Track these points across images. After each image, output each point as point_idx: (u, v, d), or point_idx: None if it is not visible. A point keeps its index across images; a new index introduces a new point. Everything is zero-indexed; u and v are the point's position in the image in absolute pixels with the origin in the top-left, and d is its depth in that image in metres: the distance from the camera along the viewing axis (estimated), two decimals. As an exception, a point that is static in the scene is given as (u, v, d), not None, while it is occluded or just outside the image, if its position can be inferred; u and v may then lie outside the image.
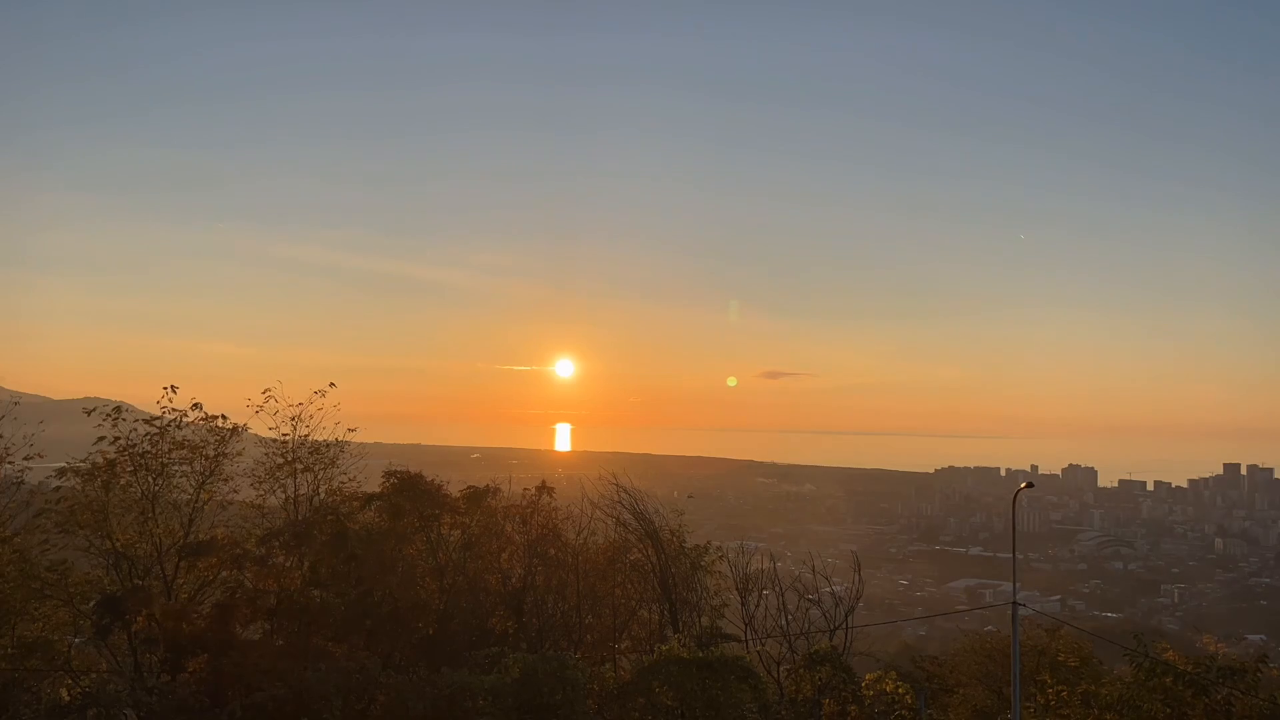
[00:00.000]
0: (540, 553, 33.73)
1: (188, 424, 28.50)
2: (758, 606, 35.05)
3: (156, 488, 27.84)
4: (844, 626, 33.89)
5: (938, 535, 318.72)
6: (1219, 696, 25.94)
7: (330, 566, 28.73)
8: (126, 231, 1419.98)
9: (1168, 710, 25.94)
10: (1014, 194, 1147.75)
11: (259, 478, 30.34)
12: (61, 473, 27.45)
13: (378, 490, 32.13)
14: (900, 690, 28.35)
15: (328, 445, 31.04)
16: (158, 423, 27.97)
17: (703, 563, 35.95)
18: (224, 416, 29.40)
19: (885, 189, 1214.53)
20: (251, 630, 28.39)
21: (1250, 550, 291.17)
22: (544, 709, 22.07)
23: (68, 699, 24.82)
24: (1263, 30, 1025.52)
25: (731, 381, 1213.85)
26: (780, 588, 35.37)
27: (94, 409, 27.54)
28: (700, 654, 24.00)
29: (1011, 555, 33.11)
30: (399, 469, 33.43)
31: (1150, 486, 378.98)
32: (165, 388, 28.18)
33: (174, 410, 28.30)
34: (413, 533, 31.87)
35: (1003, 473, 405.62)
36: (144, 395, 30.16)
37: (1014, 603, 28.46)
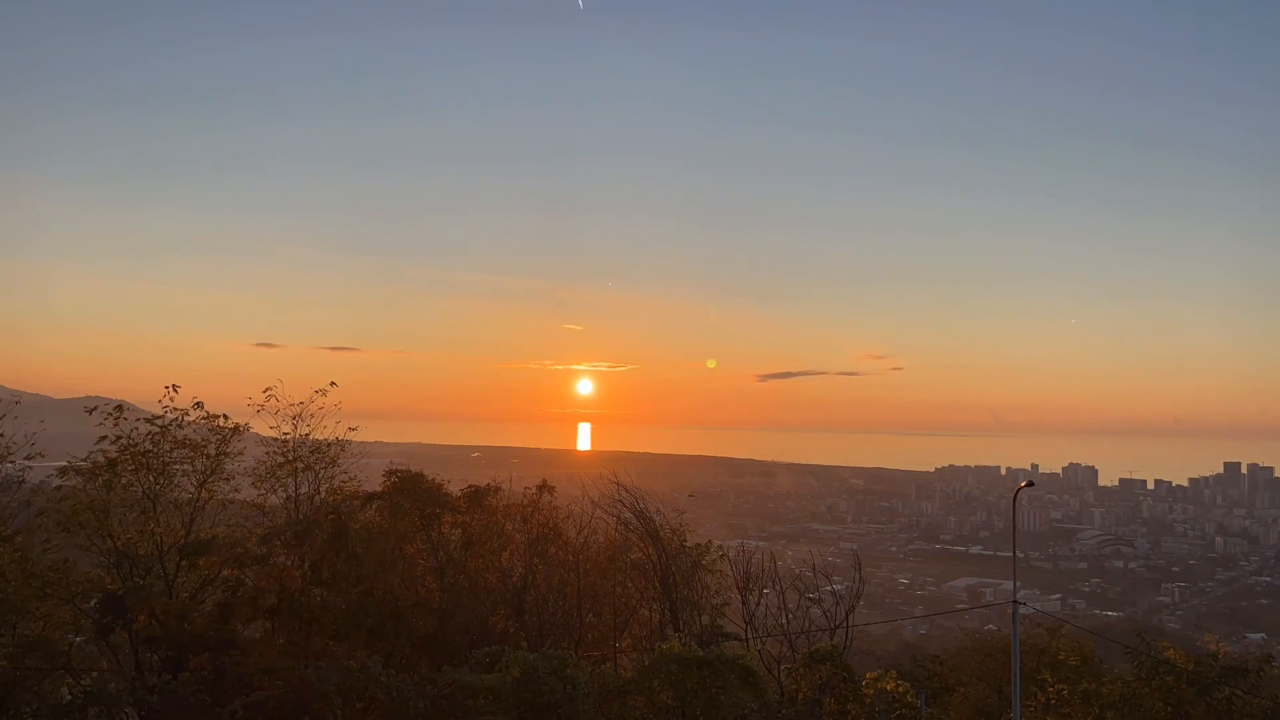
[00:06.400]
0: (541, 551, 33.78)
1: (189, 423, 28.54)
2: (758, 605, 35.05)
3: (158, 487, 27.87)
4: (844, 625, 33.86)
5: (938, 534, 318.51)
6: (1220, 695, 25.95)
7: (331, 565, 28.77)
8: (128, 228, 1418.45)
9: (1169, 709, 25.96)
10: (1015, 193, 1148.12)
11: (260, 477, 30.39)
12: (63, 472, 27.48)
13: (378, 489, 32.20)
14: (901, 689, 28.31)
15: (328, 444, 31.10)
16: (159, 422, 28.00)
17: (703, 561, 35.98)
18: (225, 416, 29.48)
19: (887, 188, 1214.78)
20: (253, 629, 28.45)
21: (1251, 549, 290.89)
22: (544, 708, 22.07)
23: (69, 698, 24.85)
24: (1257, 27, 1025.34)
25: (710, 364, 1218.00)
26: (781, 586, 35.35)
27: (95, 408, 27.59)
28: (700, 653, 23.98)
29: (1012, 554, 33.16)
30: (400, 468, 33.51)
31: (1151, 485, 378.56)
32: (167, 386, 28.30)
33: (175, 409, 28.36)
34: (413, 532, 31.92)
35: (1003, 471, 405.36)
36: (145, 394, 30.22)
37: (1014, 601, 28.49)
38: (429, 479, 32.70)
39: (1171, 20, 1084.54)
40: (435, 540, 32.16)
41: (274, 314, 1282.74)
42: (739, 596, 35.30)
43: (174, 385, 28.28)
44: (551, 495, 35.10)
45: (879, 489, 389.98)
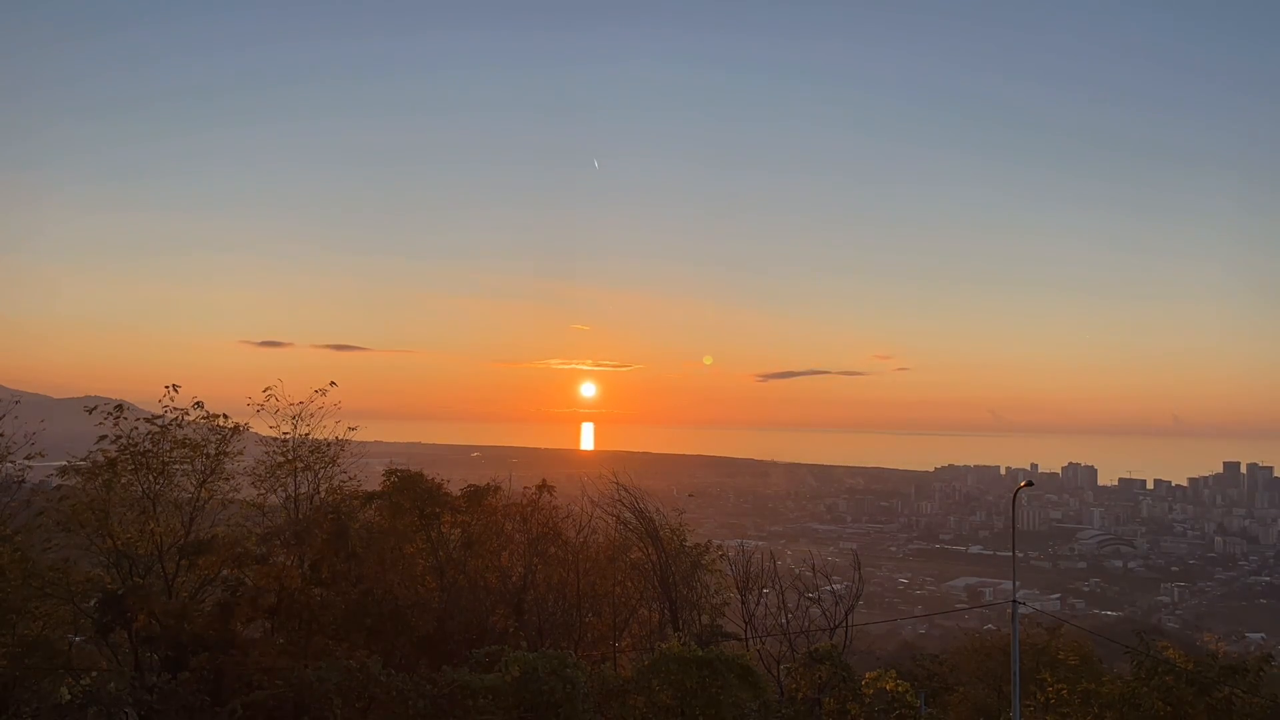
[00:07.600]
0: (540, 551, 33.76)
1: (189, 423, 28.56)
2: (758, 605, 35.07)
3: (157, 487, 27.89)
4: (844, 625, 33.87)
5: (937, 534, 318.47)
6: (1219, 695, 25.97)
7: (331, 565, 28.78)
8: (129, 229, 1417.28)
9: (1168, 709, 25.97)
10: (1014, 193, 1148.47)
11: (260, 476, 30.41)
12: (63, 471, 27.51)
13: (378, 489, 32.18)
14: (900, 689, 28.33)
15: (328, 444, 31.12)
16: (159, 421, 28.02)
17: (703, 561, 35.99)
18: (225, 415, 29.50)
19: (890, 189, 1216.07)
20: (252, 629, 28.44)
21: (1250, 549, 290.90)
22: (544, 707, 22.08)
23: (69, 698, 24.84)
24: (1254, 35, 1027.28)
25: (708, 360, 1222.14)
26: (780, 586, 35.37)
27: (95, 407, 27.61)
28: (700, 653, 23.99)
29: (1011, 554, 33.21)
30: (399, 467, 33.49)
31: (1150, 485, 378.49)
32: (167, 386, 28.33)
33: (175, 409, 28.39)
34: (413, 531, 31.90)
35: (1002, 471, 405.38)
36: (146, 394, 30.23)
37: (1014, 601, 28.52)
38: (429, 479, 32.68)
39: (1172, 27, 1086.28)
40: (435, 540, 32.14)
41: (279, 313, 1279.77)
42: (738, 596, 35.30)
43: (174, 385, 28.40)
44: (551, 495, 35.07)
45: (878, 489, 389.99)
